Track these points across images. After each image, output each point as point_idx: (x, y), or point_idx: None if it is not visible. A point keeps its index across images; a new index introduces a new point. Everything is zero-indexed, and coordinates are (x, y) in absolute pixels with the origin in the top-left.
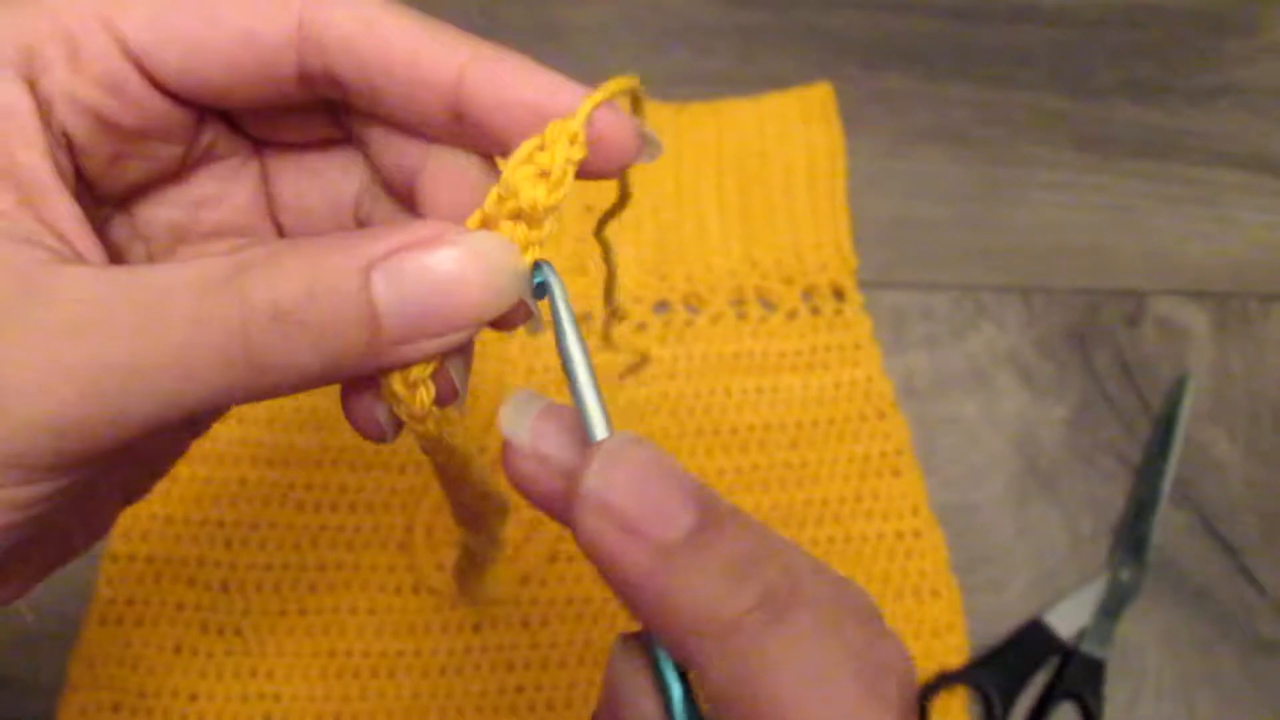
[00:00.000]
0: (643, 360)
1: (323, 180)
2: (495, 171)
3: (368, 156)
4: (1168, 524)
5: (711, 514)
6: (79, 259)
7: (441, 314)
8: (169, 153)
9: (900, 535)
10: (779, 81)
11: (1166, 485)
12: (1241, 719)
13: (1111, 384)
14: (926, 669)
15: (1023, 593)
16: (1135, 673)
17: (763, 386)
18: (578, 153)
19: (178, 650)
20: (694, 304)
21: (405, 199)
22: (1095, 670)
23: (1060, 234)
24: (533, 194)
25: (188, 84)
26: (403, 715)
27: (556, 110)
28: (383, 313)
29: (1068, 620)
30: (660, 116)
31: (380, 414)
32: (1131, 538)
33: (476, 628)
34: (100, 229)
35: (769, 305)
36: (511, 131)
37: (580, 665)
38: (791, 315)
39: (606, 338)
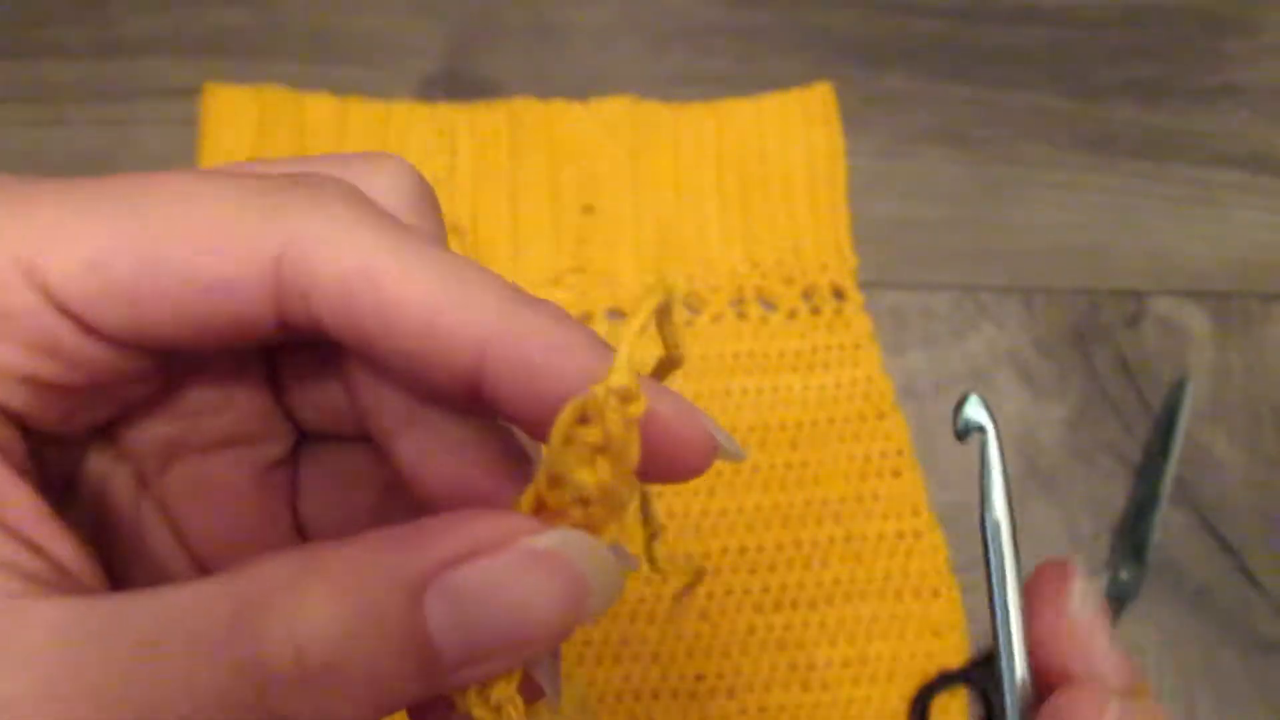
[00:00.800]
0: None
1: (337, 388)
2: (504, 435)
3: (352, 396)
4: (1168, 524)
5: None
6: (53, 578)
7: (516, 637)
8: (138, 392)
9: (900, 535)
10: (779, 81)
11: (1166, 485)
12: (1241, 719)
13: (1111, 384)
14: (926, 669)
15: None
16: None
17: (763, 386)
18: (636, 408)
19: None
20: (694, 304)
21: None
22: None
23: (1060, 234)
24: (589, 479)
25: (138, 339)
26: (402, 715)
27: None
28: (439, 642)
29: None
30: (660, 116)
31: None
32: (1131, 538)
33: None
34: (74, 465)
35: (769, 305)
36: (545, 421)
37: (580, 664)
38: (791, 315)
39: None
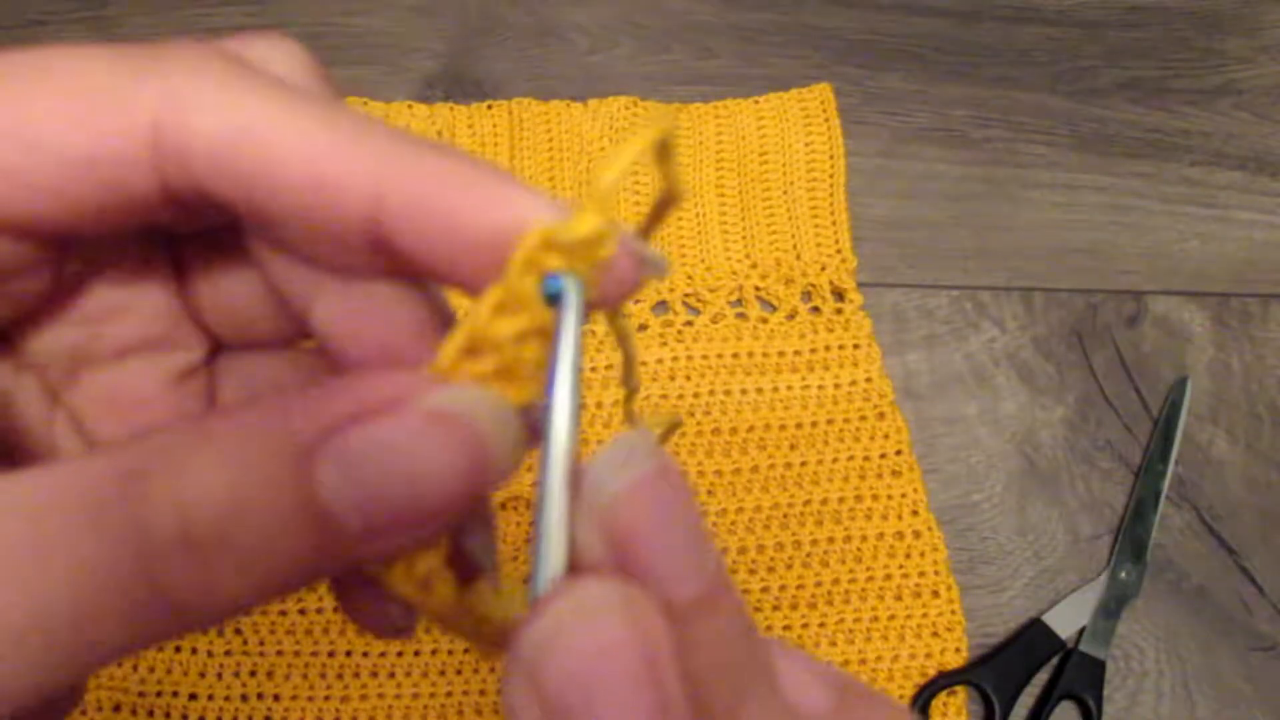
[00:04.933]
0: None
1: (252, 271)
2: (427, 298)
3: (266, 278)
4: (1168, 524)
5: (714, 588)
6: None
7: (416, 504)
8: (29, 287)
9: (900, 535)
10: (779, 81)
11: (1166, 485)
12: (1241, 719)
13: (1111, 384)
14: (926, 669)
15: (1023, 593)
16: (1135, 673)
17: (762, 387)
18: (603, 251)
19: (178, 650)
20: (694, 304)
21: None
22: (1095, 670)
23: (1060, 234)
24: (501, 331)
25: (14, 222)
26: (402, 715)
27: (512, 233)
28: (335, 510)
29: (1068, 620)
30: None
31: (391, 612)
32: (1131, 538)
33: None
34: None
35: (769, 305)
36: (456, 267)
37: None
38: (791, 315)
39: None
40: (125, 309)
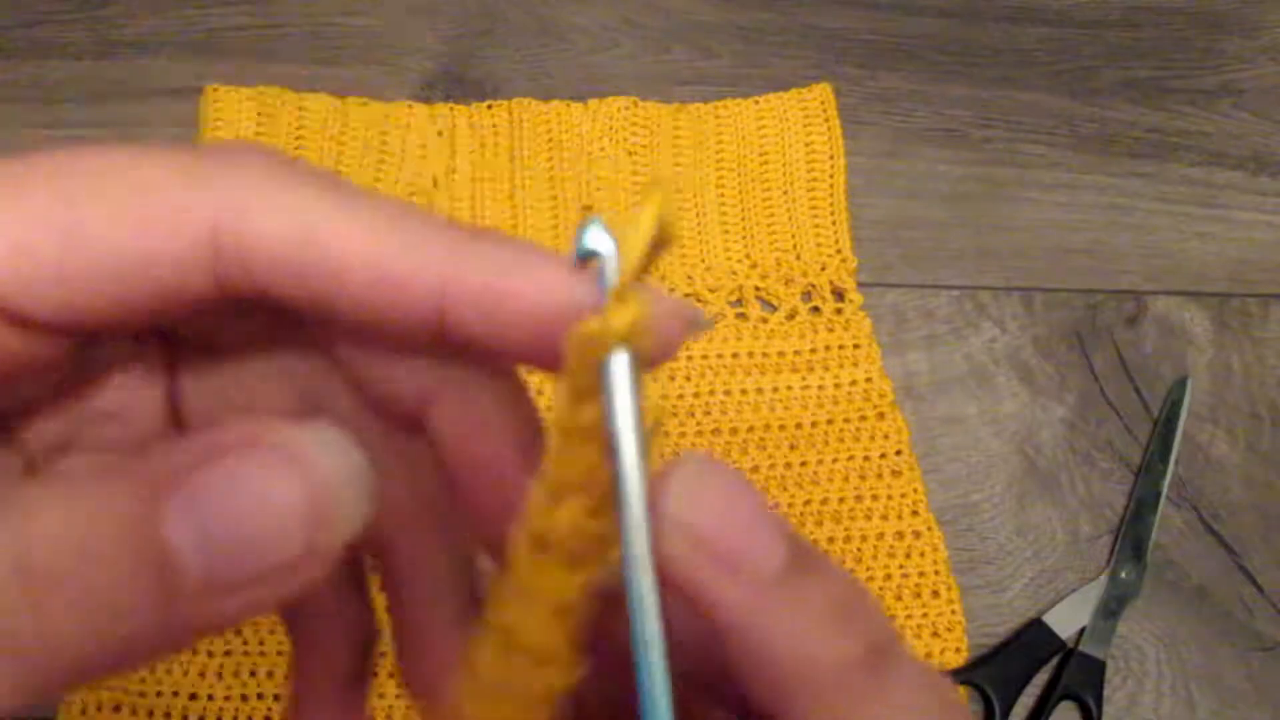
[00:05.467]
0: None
1: (247, 392)
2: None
3: (342, 369)
4: (1168, 524)
5: (803, 551)
6: None
7: (255, 550)
8: (40, 384)
9: (900, 535)
10: (779, 81)
11: (1166, 485)
12: (1241, 719)
13: (1111, 384)
14: None
15: (1023, 593)
16: (1135, 673)
17: (763, 387)
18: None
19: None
20: (694, 304)
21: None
22: (1095, 670)
23: (1060, 234)
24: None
25: (57, 321)
26: (402, 715)
27: (570, 311)
28: (177, 551)
29: (1068, 620)
30: (660, 116)
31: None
32: (1131, 538)
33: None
34: None
35: (769, 305)
36: (523, 348)
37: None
38: (791, 315)
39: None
40: (117, 414)
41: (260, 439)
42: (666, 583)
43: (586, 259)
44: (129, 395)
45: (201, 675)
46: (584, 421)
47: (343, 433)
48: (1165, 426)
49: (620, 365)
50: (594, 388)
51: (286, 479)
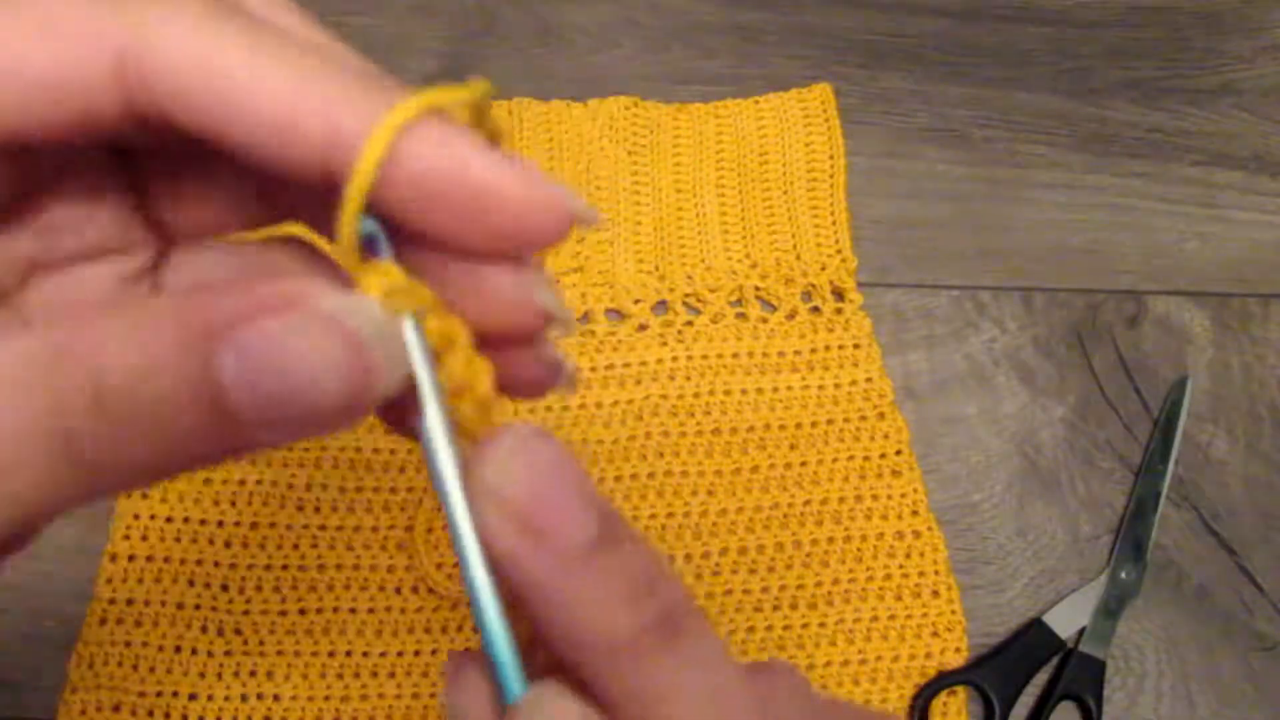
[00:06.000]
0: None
1: (211, 184)
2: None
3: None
4: (1168, 524)
5: (612, 526)
6: None
7: (297, 400)
8: None
9: (900, 535)
10: (779, 81)
11: (1166, 485)
12: (1241, 719)
13: (1111, 384)
14: (926, 669)
15: (1023, 593)
16: (1135, 673)
17: (762, 387)
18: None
19: (178, 650)
20: (694, 304)
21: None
22: (1095, 670)
23: (1060, 234)
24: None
25: None
26: (402, 715)
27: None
28: (233, 396)
29: (1068, 620)
30: (660, 116)
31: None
32: (1131, 538)
33: (477, 628)
34: None
35: (769, 305)
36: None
37: None
38: (791, 315)
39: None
40: (82, 221)
41: (303, 299)
42: (484, 546)
43: (368, 243)
44: (86, 203)
45: (201, 675)
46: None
47: (382, 301)
48: (1165, 426)
49: (409, 335)
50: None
51: (327, 340)
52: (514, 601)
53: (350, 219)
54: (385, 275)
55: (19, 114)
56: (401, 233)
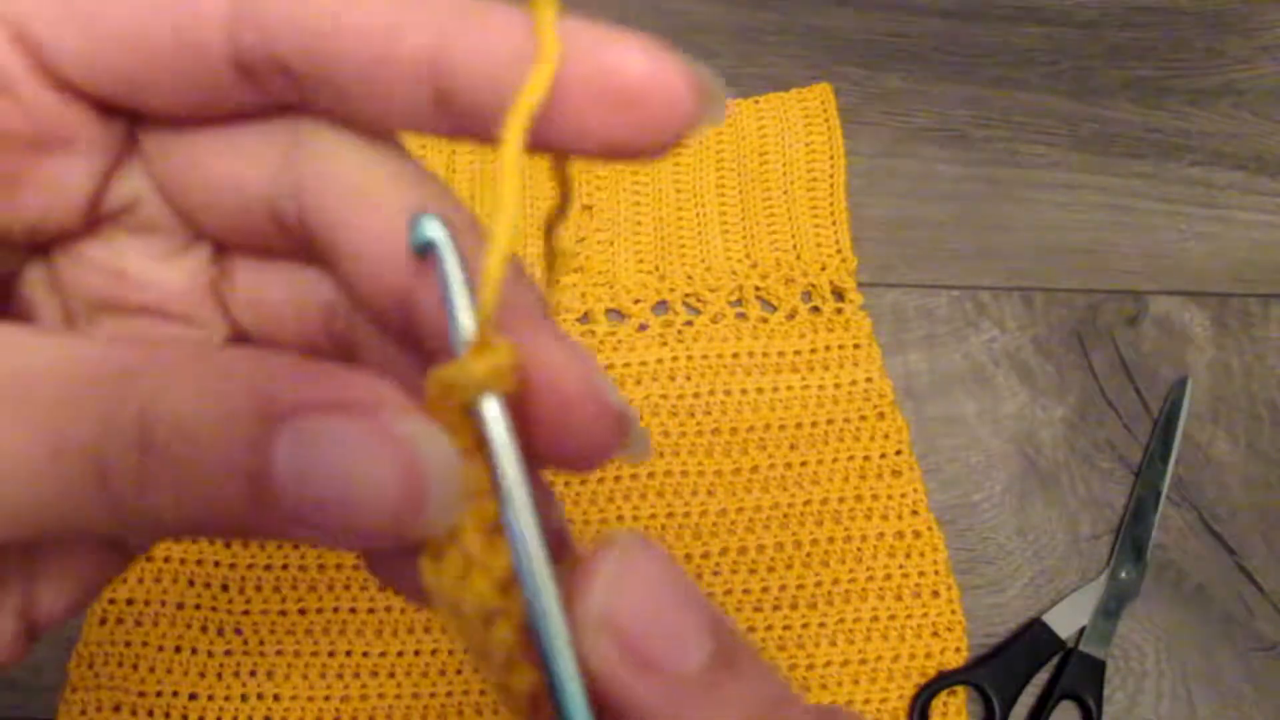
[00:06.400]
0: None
1: (288, 277)
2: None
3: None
4: (1168, 524)
5: (729, 646)
6: None
7: (341, 509)
8: (73, 179)
9: (900, 535)
10: (779, 81)
11: (1166, 485)
12: (1241, 719)
13: (1111, 384)
14: (926, 669)
15: (1023, 593)
16: (1135, 673)
17: (763, 386)
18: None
19: (178, 650)
20: (694, 304)
21: (385, 321)
22: (1095, 670)
23: (1060, 234)
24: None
25: (90, 71)
26: (402, 715)
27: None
28: (278, 481)
29: (1068, 620)
30: None
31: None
32: (1131, 538)
33: None
34: (7, 279)
35: (769, 305)
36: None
37: None
38: (791, 315)
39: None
40: (150, 281)
41: (377, 412)
42: (584, 671)
43: (423, 251)
44: (159, 265)
45: (201, 675)
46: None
47: (448, 436)
48: (1165, 426)
49: (493, 415)
50: (464, 430)
51: (390, 464)
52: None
53: (515, 140)
54: (496, 355)
55: (131, 53)
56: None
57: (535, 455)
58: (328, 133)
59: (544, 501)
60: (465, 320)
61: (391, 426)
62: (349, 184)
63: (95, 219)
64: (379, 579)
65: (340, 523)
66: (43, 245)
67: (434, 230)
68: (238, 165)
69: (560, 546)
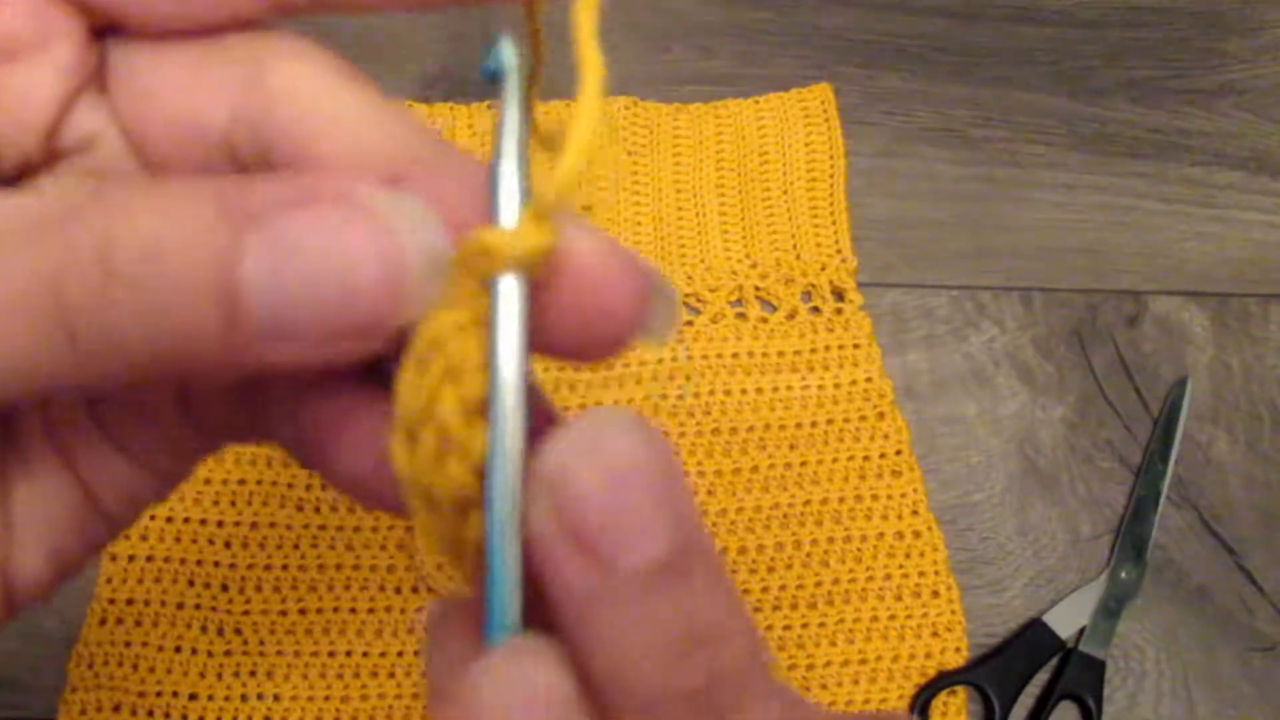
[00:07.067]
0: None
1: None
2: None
3: None
4: (1168, 524)
5: (686, 558)
6: None
7: (330, 306)
8: (41, 93)
9: (900, 535)
10: (779, 81)
11: (1166, 485)
12: (1241, 719)
13: (1111, 384)
14: (926, 669)
15: (1023, 593)
16: (1135, 673)
17: (762, 387)
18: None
19: (178, 650)
20: (694, 304)
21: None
22: (1095, 670)
23: (1060, 234)
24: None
25: None
26: (403, 715)
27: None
28: (249, 290)
29: (1068, 620)
30: (660, 116)
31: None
32: (1131, 538)
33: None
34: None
35: (769, 305)
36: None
37: None
38: (791, 315)
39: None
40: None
41: (350, 197)
42: (526, 545)
43: (493, 79)
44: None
45: (201, 675)
46: (462, 326)
47: (432, 210)
48: (1165, 426)
49: (510, 293)
50: (476, 300)
51: (369, 245)
52: (533, 579)
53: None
54: (545, 233)
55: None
56: None
57: (548, 345)
58: (292, 60)
59: (537, 400)
60: (511, 181)
61: (365, 202)
62: (319, 107)
63: (51, 153)
64: (349, 491)
65: (318, 322)
66: None
67: (506, 55)
68: (200, 96)
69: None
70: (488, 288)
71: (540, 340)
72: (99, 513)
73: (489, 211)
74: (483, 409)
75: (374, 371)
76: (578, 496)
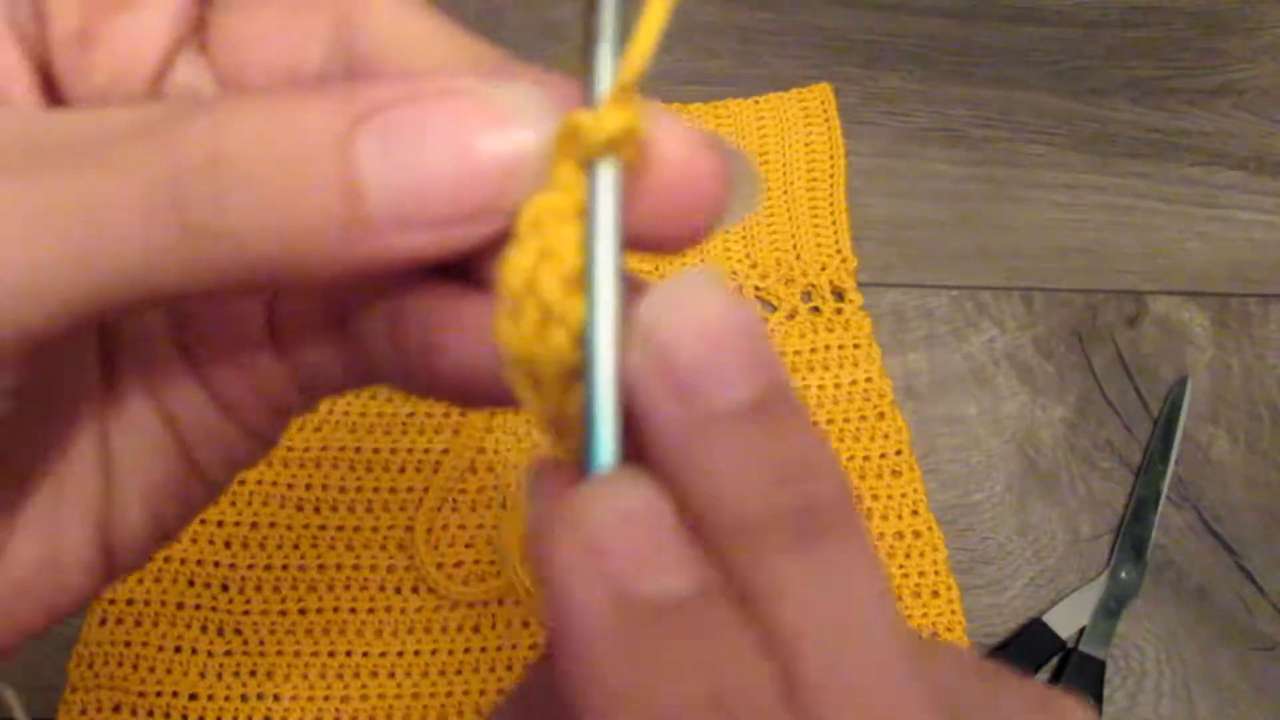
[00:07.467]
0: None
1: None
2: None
3: None
4: (1168, 524)
5: (775, 399)
6: None
7: (447, 191)
8: (149, 41)
9: (900, 535)
10: (779, 81)
11: (1166, 485)
12: (1241, 719)
13: (1111, 384)
14: None
15: (1023, 593)
16: (1135, 673)
17: None
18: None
19: (178, 650)
20: None
21: None
22: (1095, 670)
23: (1060, 234)
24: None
25: None
26: (403, 715)
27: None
28: (368, 178)
29: (1068, 620)
30: None
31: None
32: (1131, 538)
33: (476, 628)
34: None
35: (769, 305)
36: None
37: None
38: (791, 315)
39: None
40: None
41: (458, 88)
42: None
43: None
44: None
45: (201, 675)
46: (559, 206)
47: (539, 91)
48: (1165, 426)
49: (606, 179)
50: (573, 182)
51: (482, 127)
52: (635, 425)
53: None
54: (632, 114)
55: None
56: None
57: (635, 237)
58: (380, 3)
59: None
60: (606, 63)
61: (475, 89)
62: (407, 36)
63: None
64: (455, 390)
65: (436, 207)
66: None
67: None
68: (294, 42)
69: None
70: (584, 168)
71: (628, 232)
72: (195, 473)
73: (582, 103)
74: (580, 281)
75: (468, 275)
76: (673, 340)
